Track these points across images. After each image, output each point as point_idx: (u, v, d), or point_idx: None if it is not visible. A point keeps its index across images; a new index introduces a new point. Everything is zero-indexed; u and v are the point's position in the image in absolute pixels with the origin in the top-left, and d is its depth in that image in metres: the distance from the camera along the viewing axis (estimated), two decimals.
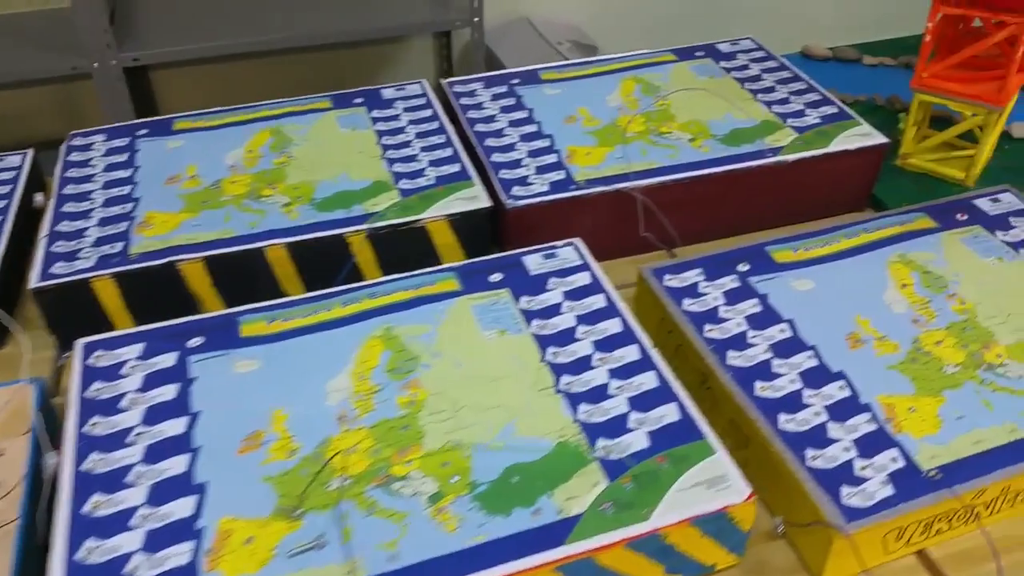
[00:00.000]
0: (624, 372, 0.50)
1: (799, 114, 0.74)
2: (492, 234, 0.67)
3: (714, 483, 0.43)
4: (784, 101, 0.76)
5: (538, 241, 0.63)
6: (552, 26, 2.13)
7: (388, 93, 0.80)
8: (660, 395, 0.48)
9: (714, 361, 0.53)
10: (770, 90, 0.78)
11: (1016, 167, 0.78)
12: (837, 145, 0.70)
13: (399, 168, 0.69)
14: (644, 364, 0.50)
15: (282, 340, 0.53)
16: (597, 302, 0.54)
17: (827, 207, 0.72)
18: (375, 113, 0.77)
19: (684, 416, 0.47)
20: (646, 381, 0.49)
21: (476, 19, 1.74)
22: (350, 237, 0.63)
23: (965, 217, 0.65)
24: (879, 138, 0.71)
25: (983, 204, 0.67)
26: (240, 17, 1.78)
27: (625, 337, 0.52)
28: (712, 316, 0.56)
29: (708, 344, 0.54)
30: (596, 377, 0.49)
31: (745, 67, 0.82)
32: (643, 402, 0.48)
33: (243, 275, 0.62)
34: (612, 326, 0.53)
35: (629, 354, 0.51)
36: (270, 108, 0.78)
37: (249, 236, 0.62)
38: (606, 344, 0.52)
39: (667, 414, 0.47)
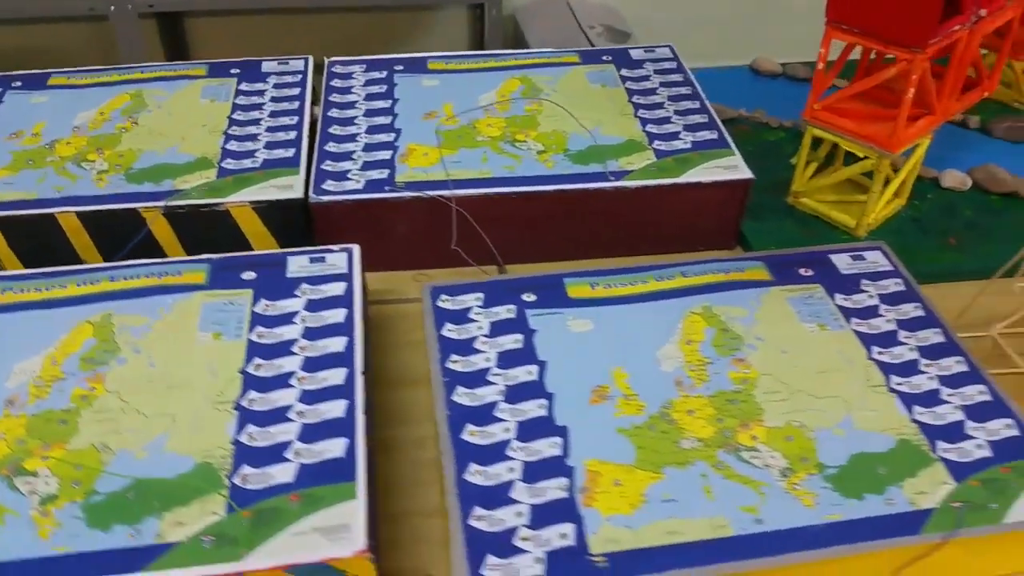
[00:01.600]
0: (314, 396, 0.46)
1: (672, 137, 0.67)
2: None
3: (332, 532, 0.39)
4: (664, 120, 0.69)
5: (347, 241, 0.60)
6: (589, 7, 2.05)
7: (268, 67, 0.77)
8: (338, 427, 0.44)
9: (440, 395, 0.49)
10: (657, 106, 0.71)
11: (930, 221, 0.69)
12: (692, 176, 0.63)
13: (233, 146, 0.67)
14: (343, 390, 0.46)
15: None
16: (335, 316, 0.51)
17: (683, 242, 0.66)
18: (244, 86, 0.74)
19: (348, 455, 0.43)
20: (333, 409, 0.45)
21: None
22: (146, 212, 0.61)
23: (809, 273, 0.58)
24: (743, 172, 0.63)
25: (840, 260, 0.59)
26: None
27: (340, 359, 0.48)
28: (465, 346, 0.52)
29: (443, 376, 0.50)
30: (283, 398, 0.46)
31: (646, 78, 0.75)
32: (315, 432, 0.44)
33: (38, 240, 0.62)
34: (334, 344, 0.49)
35: (334, 377, 0.47)
36: (143, 71, 0.76)
37: (49, 200, 0.61)
38: (317, 363, 0.48)
39: (331, 449, 0.43)
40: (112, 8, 1.64)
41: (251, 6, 1.82)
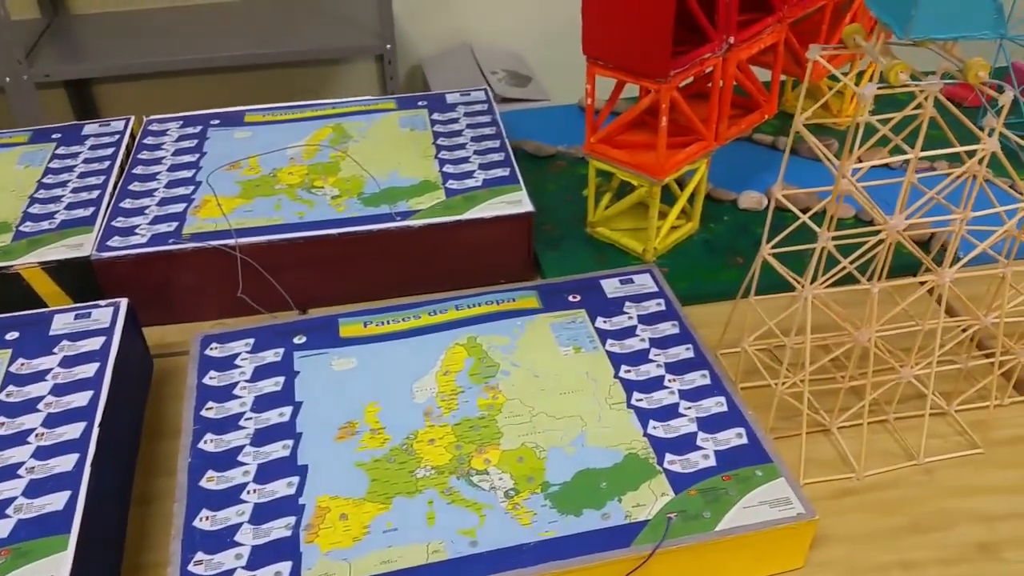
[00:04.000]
0: (48, 452, 0.46)
1: (466, 176, 0.70)
2: None
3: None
4: (463, 161, 0.72)
5: (139, 296, 0.61)
6: (492, 54, 2.11)
7: (89, 129, 0.79)
8: (65, 480, 0.45)
9: (187, 444, 0.50)
10: (459, 147, 0.74)
11: (721, 242, 0.71)
12: (476, 212, 0.65)
13: (35, 209, 0.67)
14: (77, 445, 0.47)
15: None
16: (86, 371, 0.51)
17: (481, 276, 0.67)
18: (61, 150, 0.75)
19: (67, 508, 0.43)
20: (63, 463, 0.45)
21: (388, 46, 1.74)
22: None
23: (577, 299, 0.60)
24: (526, 207, 0.66)
25: (609, 285, 0.61)
26: (171, 37, 1.82)
27: (82, 413, 0.48)
28: (224, 393, 0.52)
29: (195, 424, 0.51)
30: (17, 455, 0.46)
31: (455, 120, 0.78)
32: (41, 487, 0.44)
33: None
34: (79, 399, 0.49)
35: (71, 432, 0.47)
36: None
37: None
38: (58, 419, 0.48)
39: (52, 503, 0.43)
40: (7, 80, 1.65)
41: (153, 69, 1.84)
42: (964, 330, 0.57)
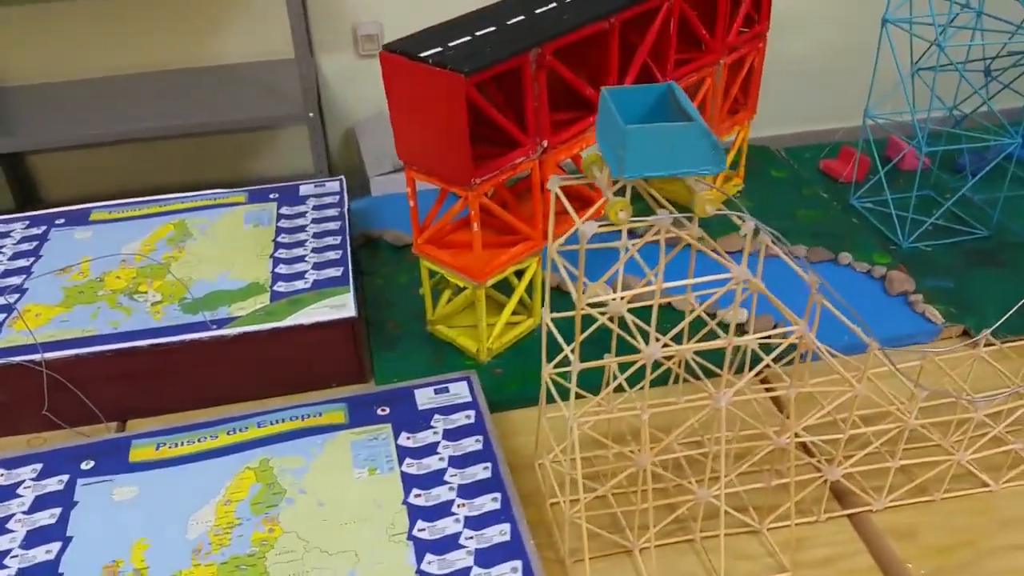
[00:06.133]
0: None
1: (296, 277, 0.68)
2: None
3: None
4: (298, 260, 0.70)
5: None
6: None
7: None
8: None
9: None
10: (298, 245, 0.72)
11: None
12: (296, 319, 0.63)
13: None
14: None
15: None
16: None
17: (310, 381, 0.65)
18: None
19: None
20: None
21: (311, 114, 1.74)
22: None
23: (386, 412, 0.58)
24: (348, 312, 0.64)
25: (423, 395, 0.59)
26: (102, 107, 1.81)
27: None
28: None
29: None
30: None
31: (302, 215, 0.77)
32: None
33: None
34: None
35: None
36: None
37: None
38: None
39: None
40: None
41: (86, 141, 1.82)
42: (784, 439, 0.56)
